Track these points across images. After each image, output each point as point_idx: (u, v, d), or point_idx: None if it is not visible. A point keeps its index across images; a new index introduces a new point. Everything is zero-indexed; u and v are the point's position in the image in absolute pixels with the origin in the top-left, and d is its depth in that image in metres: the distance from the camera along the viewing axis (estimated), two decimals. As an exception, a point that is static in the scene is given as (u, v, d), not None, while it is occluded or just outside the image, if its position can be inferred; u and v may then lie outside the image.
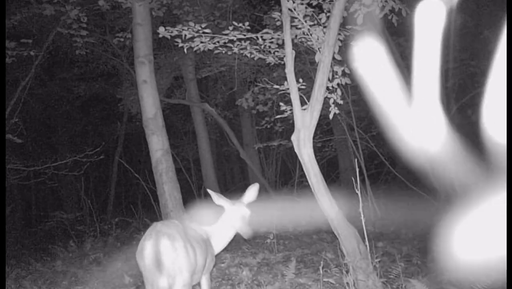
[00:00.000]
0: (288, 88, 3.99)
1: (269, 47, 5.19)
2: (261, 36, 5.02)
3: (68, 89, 12.52)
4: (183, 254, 2.75)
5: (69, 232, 8.35)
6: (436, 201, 7.63)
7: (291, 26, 4.32)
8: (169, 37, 5.11)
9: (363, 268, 3.46)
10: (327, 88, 4.17)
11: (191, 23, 4.98)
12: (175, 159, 7.71)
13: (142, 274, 2.86)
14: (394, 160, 11.27)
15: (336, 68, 4.63)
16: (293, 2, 4.21)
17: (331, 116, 4.66)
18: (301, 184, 9.23)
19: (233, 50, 5.29)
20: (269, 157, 11.91)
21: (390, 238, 5.80)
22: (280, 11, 4.16)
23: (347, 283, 3.47)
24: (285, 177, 12.22)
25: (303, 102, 3.93)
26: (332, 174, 11.77)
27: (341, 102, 4.64)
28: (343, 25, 4.41)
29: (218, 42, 5.16)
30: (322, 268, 3.78)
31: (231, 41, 5.11)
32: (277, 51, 5.22)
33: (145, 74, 6.10)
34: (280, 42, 5.10)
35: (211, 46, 5.21)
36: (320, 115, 3.83)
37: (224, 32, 5.00)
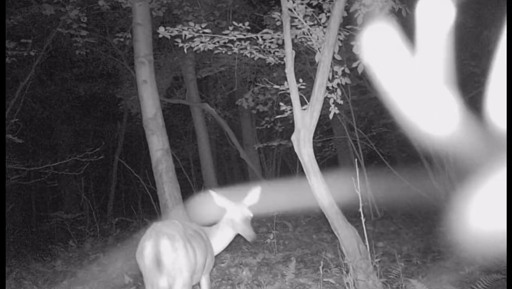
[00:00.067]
0: (288, 88, 3.99)
1: (269, 47, 5.19)
2: (261, 36, 5.02)
3: (68, 90, 12.53)
4: (183, 254, 2.75)
5: (69, 232, 8.36)
6: (436, 201, 7.64)
7: (291, 26, 4.33)
8: (169, 37, 5.11)
9: (363, 268, 3.46)
10: (327, 88, 4.17)
11: (191, 23, 4.98)
12: (175, 159, 7.71)
13: (142, 274, 2.86)
14: (394, 159, 11.28)
15: (336, 68, 4.63)
16: (293, 2, 4.21)
17: (331, 116, 4.66)
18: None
19: (233, 50, 5.29)
20: (269, 157, 11.91)
21: (390, 238, 5.80)
22: (280, 11, 4.16)
23: (347, 283, 3.47)
24: (285, 177, 12.22)
25: (303, 102, 3.93)
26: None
27: (341, 102, 4.64)
28: (343, 25, 4.41)
29: (218, 42, 5.16)
30: (322, 268, 3.78)
31: (231, 41, 5.11)
32: (277, 51, 5.22)
33: (145, 74, 6.10)
34: (280, 42, 5.10)
35: (211, 46, 5.21)
36: (320, 115, 3.83)
37: (224, 32, 5.00)
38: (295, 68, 3.88)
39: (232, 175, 15.76)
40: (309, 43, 4.70)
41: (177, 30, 4.97)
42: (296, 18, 4.37)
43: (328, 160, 11.57)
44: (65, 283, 5.22)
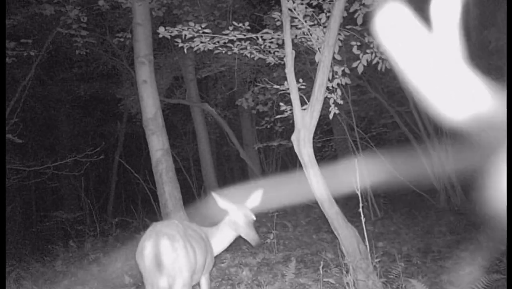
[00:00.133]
0: (288, 88, 3.99)
1: (269, 47, 5.18)
2: (261, 36, 5.02)
3: (68, 90, 12.52)
4: (183, 254, 2.75)
5: (69, 232, 8.36)
6: (436, 201, 7.64)
7: (291, 26, 4.32)
8: (169, 37, 5.11)
9: (363, 268, 3.46)
10: (327, 88, 4.17)
11: (191, 23, 4.97)
12: (175, 159, 7.71)
13: (142, 274, 2.86)
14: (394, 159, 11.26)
15: (336, 68, 4.63)
16: (293, 2, 4.21)
17: (331, 116, 4.66)
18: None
19: (233, 50, 5.29)
20: (269, 157, 11.91)
21: (390, 238, 5.80)
22: (280, 11, 4.16)
23: (347, 283, 3.47)
24: (285, 172, 12.20)
25: (303, 102, 3.93)
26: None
27: (341, 102, 4.64)
28: (343, 25, 4.41)
29: (218, 42, 5.16)
30: (322, 268, 3.78)
31: (231, 41, 5.11)
32: (277, 51, 5.22)
33: (145, 74, 6.10)
34: (280, 42, 5.10)
35: (211, 46, 5.21)
36: (320, 115, 3.83)
37: (224, 32, 5.00)
38: (295, 68, 3.88)
39: (232, 175, 15.76)
40: (309, 43, 4.70)
41: (177, 30, 4.97)
42: (296, 18, 4.36)
43: (328, 160, 11.56)
44: (65, 283, 5.22)
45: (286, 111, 5.02)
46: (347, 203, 7.87)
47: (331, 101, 4.60)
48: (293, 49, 3.87)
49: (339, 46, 4.40)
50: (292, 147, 3.87)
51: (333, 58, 4.06)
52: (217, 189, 9.91)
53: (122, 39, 8.52)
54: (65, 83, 12.26)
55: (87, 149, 8.65)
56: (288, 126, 8.96)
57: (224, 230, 3.33)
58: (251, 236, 3.22)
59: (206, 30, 4.99)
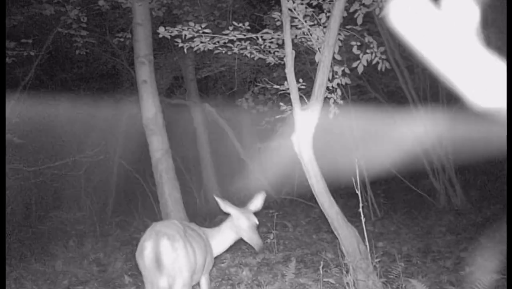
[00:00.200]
0: (288, 88, 3.99)
1: (269, 47, 5.18)
2: (261, 36, 5.01)
3: (68, 89, 12.51)
4: (183, 254, 2.75)
5: (69, 232, 8.35)
6: (436, 201, 7.64)
7: (291, 26, 4.32)
8: (169, 37, 5.10)
9: (363, 268, 3.46)
10: (327, 88, 4.16)
11: (191, 23, 4.97)
12: (175, 159, 7.71)
13: (142, 274, 2.86)
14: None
15: (336, 68, 4.63)
16: (293, 2, 4.21)
17: (331, 116, 4.66)
18: (301, 184, 9.23)
19: (233, 50, 5.28)
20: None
21: (390, 238, 5.80)
22: (280, 11, 4.16)
23: (347, 283, 3.47)
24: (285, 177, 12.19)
25: (303, 102, 3.93)
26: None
27: (341, 102, 4.64)
28: (343, 25, 4.41)
29: (218, 42, 5.15)
30: (322, 268, 3.78)
31: (231, 41, 5.11)
32: (277, 51, 5.21)
33: (145, 74, 6.10)
34: (280, 42, 5.10)
35: (211, 46, 5.20)
36: (320, 115, 3.83)
37: (224, 32, 4.99)
38: (295, 68, 3.88)
39: (232, 175, 15.74)
40: (309, 43, 4.70)
41: (177, 30, 4.96)
42: (296, 18, 4.36)
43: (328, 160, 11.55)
44: (65, 283, 5.22)
45: (286, 111, 5.01)
46: (347, 203, 7.88)
47: (331, 101, 4.60)
48: (293, 49, 3.87)
49: (339, 46, 4.40)
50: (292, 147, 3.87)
51: (333, 58, 4.06)
52: (217, 189, 9.92)
53: (122, 39, 8.52)
54: (65, 83, 12.25)
55: (87, 149, 8.65)
56: (288, 126, 8.96)
57: (226, 232, 3.31)
58: (254, 240, 3.21)
59: (206, 30, 4.98)
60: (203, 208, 10.05)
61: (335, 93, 4.59)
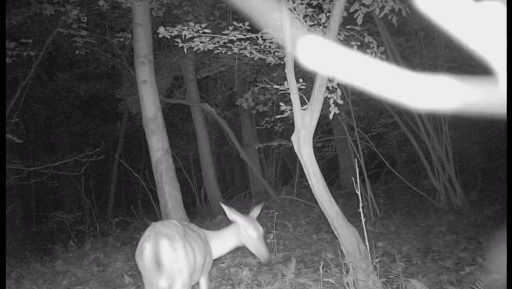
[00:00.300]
0: (288, 88, 3.99)
1: (269, 47, 5.18)
2: (261, 36, 5.01)
3: (68, 89, 12.53)
4: (183, 255, 2.75)
5: (69, 232, 8.35)
6: (436, 201, 7.64)
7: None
8: (169, 37, 5.10)
9: (363, 268, 3.46)
10: (327, 88, 4.16)
11: (191, 23, 4.97)
12: (175, 159, 7.71)
13: (142, 274, 2.86)
14: (394, 159, 11.29)
15: (336, 68, 4.62)
16: (293, 2, 4.21)
17: (331, 116, 4.66)
18: (301, 184, 9.23)
19: (233, 50, 5.28)
20: (269, 157, 11.91)
21: (390, 238, 5.79)
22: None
23: (347, 283, 3.47)
24: (285, 177, 12.22)
25: (303, 102, 3.93)
26: (332, 174, 11.77)
27: (341, 102, 4.64)
28: (343, 25, 4.41)
29: (218, 42, 5.15)
30: (322, 268, 3.78)
31: (231, 41, 5.11)
32: (277, 51, 5.21)
33: (145, 74, 6.10)
34: (280, 42, 5.09)
35: (211, 46, 5.20)
36: (320, 115, 3.83)
37: (224, 32, 4.99)
38: (295, 68, 3.88)
39: (232, 175, 15.76)
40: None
41: (177, 30, 4.96)
42: (296, 18, 4.36)
43: (328, 160, 11.57)
44: (65, 283, 5.22)
45: (286, 111, 5.01)
46: (347, 203, 7.88)
47: (331, 101, 4.60)
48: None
49: (339, 46, 4.39)
50: (292, 147, 3.87)
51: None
52: (217, 189, 9.91)
53: (122, 39, 8.52)
54: (65, 83, 12.26)
55: (87, 149, 8.65)
56: (288, 126, 8.96)
57: (228, 238, 3.30)
58: (262, 251, 3.19)
59: (206, 30, 4.98)
60: (203, 208, 10.05)
61: (335, 93, 4.59)
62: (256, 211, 3.41)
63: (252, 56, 5.36)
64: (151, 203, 8.90)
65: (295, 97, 3.79)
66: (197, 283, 3.22)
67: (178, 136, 13.71)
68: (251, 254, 5.45)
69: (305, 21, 4.37)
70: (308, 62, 0.59)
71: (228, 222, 3.43)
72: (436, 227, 6.08)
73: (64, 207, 13.05)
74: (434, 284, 3.77)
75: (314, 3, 4.51)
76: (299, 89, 4.01)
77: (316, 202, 3.82)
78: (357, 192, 3.78)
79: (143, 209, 10.32)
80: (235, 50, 5.26)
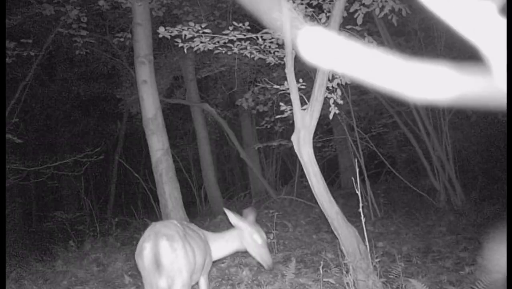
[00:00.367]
0: (288, 88, 3.99)
1: (269, 47, 5.18)
2: (261, 36, 5.01)
3: (68, 89, 12.53)
4: (182, 255, 2.75)
5: (69, 232, 8.35)
6: (436, 201, 7.64)
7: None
8: (169, 37, 5.10)
9: (363, 268, 3.46)
10: (327, 88, 4.16)
11: (191, 23, 4.97)
12: (175, 159, 7.71)
13: (141, 274, 2.86)
14: (394, 159, 11.29)
15: (336, 68, 4.62)
16: (293, 2, 4.21)
17: (331, 116, 4.66)
18: (301, 184, 9.23)
19: (233, 50, 5.28)
20: (269, 157, 11.91)
21: (390, 238, 5.79)
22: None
23: (347, 283, 3.47)
24: (285, 177, 12.22)
25: (303, 102, 3.93)
26: (332, 174, 11.77)
27: (341, 102, 4.64)
28: (343, 25, 4.41)
29: (218, 42, 5.15)
30: (322, 268, 3.78)
31: (231, 41, 5.11)
32: (277, 51, 5.21)
33: (145, 74, 6.10)
34: (280, 42, 5.09)
35: (211, 46, 5.20)
36: (320, 115, 3.83)
37: (224, 32, 4.99)
38: (295, 68, 3.87)
39: (232, 175, 15.76)
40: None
41: (177, 30, 4.96)
42: (296, 18, 4.36)
43: (328, 160, 11.57)
44: (65, 283, 5.22)
45: (286, 111, 5.01)
46: (347, 203, 7.88)
47: (331, 101, 4.60)
48: (293, 49, 3.86)
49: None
50: (292, 147, 3.87)
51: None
52: (217, 189, 9.91)
53: (122, 39, 8.52)
54: (65, 83, 12.26)
55: (87, 149, 8.65)
56: (288, 126, 8.96)
57: (229, 241, 3.30)
58: (265, 257, 3.19)
59: (206, 30, 4.98)
60: (203, 208, 10.05)
61: (335, 93, 4.59)
62: (250, 217, 3.39)
63: (252, 56, 5.36)
64: (151, 203, 8.90)
65: (295, 97, 3.79)
66: (197, 283, 3.22)
67: (178, 136, 13.71)
68: (251, 254, 5.47)
69: (305, 21, 4.36)
70: (309, 55, 0.60)
71: (228, 223, 3.42)
72: (436, 227, 6.08)
73: (64, 207, 13.04)
74: (434, 284, 3.77)
75: (314, 3, 4.51)
76: (299, 89, 4.01)
77: (316, 202, 3.82)
78: (357, 192, 3.78)
79: (143, 209, 10.33)
80: (235, 50, 5.26)
